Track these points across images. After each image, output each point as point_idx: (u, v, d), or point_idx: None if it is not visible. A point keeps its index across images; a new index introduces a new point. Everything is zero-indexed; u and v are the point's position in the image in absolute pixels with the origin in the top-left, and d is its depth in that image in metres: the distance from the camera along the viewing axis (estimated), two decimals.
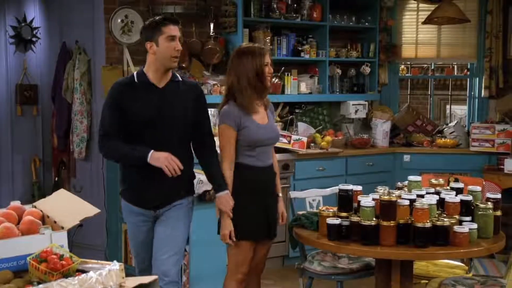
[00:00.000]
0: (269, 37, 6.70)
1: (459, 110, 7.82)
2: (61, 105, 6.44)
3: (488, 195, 4.26)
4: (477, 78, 7.65)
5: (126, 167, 3.90)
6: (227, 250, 4.10)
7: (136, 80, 3.83)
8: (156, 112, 3.77)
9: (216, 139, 4.07)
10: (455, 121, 7.75)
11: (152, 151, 3.70)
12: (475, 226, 3.90)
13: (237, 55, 4.02)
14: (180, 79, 3.93)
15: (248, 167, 4.02)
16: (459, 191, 4.29)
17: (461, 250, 3.82)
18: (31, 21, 6.71)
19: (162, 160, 3.67)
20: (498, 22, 7.33)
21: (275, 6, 6.72)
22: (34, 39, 6.73)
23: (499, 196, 4.34)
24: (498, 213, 4.15)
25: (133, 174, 3.85)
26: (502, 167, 6.78)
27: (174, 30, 3.78)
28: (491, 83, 7.45)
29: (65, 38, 6.50)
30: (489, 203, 4.08)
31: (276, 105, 6.76)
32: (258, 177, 4.06)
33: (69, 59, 6.35)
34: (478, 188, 4.30)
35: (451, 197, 4.05)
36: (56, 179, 6.66)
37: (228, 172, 3.95)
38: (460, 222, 3.91)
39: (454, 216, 3.94)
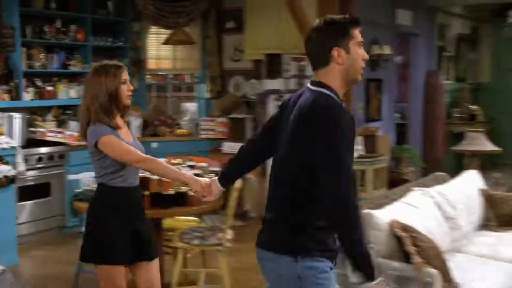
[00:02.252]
0: (43, 54, 6.84)
1: (191, 107, 8.38)
2: None
3: (212, 168, 4.97)
4: (203, 84, 8.15)
5: None
6: (99, 277, 3.28)
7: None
8: None
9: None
10: (188, 116, 8.11)
11: None
12: None
13: (92, 74, 3.16)
14: None
15: (114, 189, 3.19)
16: (192, 167, 4.75)
17: (195, 208, 4.26)
18: None
19: None
20: (215, 44, 7.91)
21: (47, 29, 6.87)
22: None
23: (219, 169, 5.19)
24: None
25: None
26: (221, 148, 7.32)
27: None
28: (212, 88, 7.98)
29: None
30: (212, 174, 4.67)
31: (49, 108, 7.09)
32: (125, 199, 3.24)
33: None
34: (206, 164, 4.88)
35: (187, 171, 4.32)
36: None
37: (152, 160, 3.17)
38: None
39: None
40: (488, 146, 6.12)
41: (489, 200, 4.83)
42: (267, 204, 2.57)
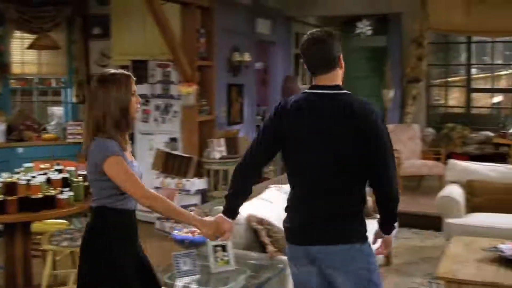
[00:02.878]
0: None
1: (58, 111, 8.26)
2: None
3: (79, 172, 5.00)
4: (69, 89, 8.10)
5: None
6: None
7: None
8: None
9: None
10: (55, 120, 8.01)
11: None
12: (71, 193, 4.45)
13: (100, 83, 2.70)
14: None
15: (119, 212, 2.75)
16: (60, 171, 4.77)
17: (63, 210, 4.31)
18: None
19: None
20: (81, 49, 7.90)
21: None
22: None
23: (85, 172, 5.23)
24: (86, 183, 4.61)
25: None
26: None
27: None
28: (79, 93, 7.96)
29: None
30: (80, 177, 4.69)
31: None
32: (131, 223, 2.86)
33: None
34: (73, 168, 4.85)
35: (55, 176, 4.57)
36: None
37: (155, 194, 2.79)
38: (62, 192, 4.39)
39: (58, 188, 4.44)
40: None
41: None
42: (311, 201, 2.67)
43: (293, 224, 2.74)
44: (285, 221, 2.80)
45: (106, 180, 2.67)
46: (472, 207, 5.80)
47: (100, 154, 2.65)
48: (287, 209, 2.79)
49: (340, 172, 2.62)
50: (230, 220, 2.82)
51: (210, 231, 2.78)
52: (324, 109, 2.62)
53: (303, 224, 2.70)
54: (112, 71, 2.77)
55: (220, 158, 6.79)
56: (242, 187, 2.81)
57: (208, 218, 2.88)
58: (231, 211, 2.84)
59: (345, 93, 2.67)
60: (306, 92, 2.70)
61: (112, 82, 2.70)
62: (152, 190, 2.82)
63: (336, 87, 2.66)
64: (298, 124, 2.64)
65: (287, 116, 2.66)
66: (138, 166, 2.88)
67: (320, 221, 2.65)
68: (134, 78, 2.81)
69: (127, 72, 2.80)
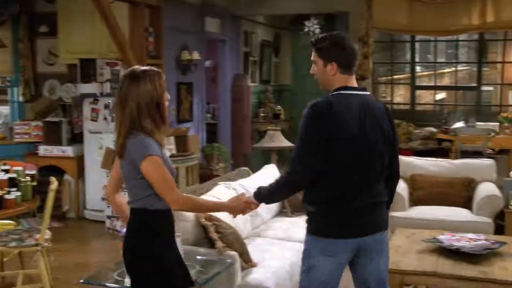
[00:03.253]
0: None
1: (4, 110, 8.12)
2: None
3: (27, 172, 5.07)
4: (16, 88, 7.93)
5: None
6: None
7: None
8: None
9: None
10: (2, 120, 7.92)
11: None
12: (19, 193, 4.51)
13: (132, 79, 2.65)
14: None
15: (159, 213, 2.68)
16: (7, 171, 4.77)
17: (11, 211, 4.38)
18: None
19: None
20: (28, 47, 7.76)
21: None
22: None
23: (35, 172, 5.23)
24: (34, 183, 4.87)
25: None
26: (37, 151, 7.26)
27: None
28: (26, 91, 7.79)
29: None
30: (28, 177, 4.77)
31: None
32: (170, 221, 2.80)
33: None
34: (21, 168, 4.91)
35: (1, 176, 4.57)
36: None
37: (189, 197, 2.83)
38: (9, 192, 4.45)
39: (5, 189, 4.48)
40: (284, 142, 6.77)
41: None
42: (361, 192, 2.84)
43: (345, 218, 2.84)
44: (327, 217, 2.85)
45: (143, 179, 2.62)
46: (415, 200, 6.02)
47: (139, 153, 2.59)
48: (327, 206, 2.84)
49: (382, 165, 2.89)
50: (256, 202, 3.01)
51: (243, 208, 2.99)
52: (369, 109, 2.84)
53: (359, 216, 2.85)
54: (143, 68, 2.73)
55: (170, 157, 6.81)
56: (287, 197, 3.10)
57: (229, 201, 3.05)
58: (263, 200, 3.02)
59: (369, 93, 3.00)
60: (345, 92, 2.84)
61: (144, 78, 2.66)
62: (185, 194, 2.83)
63: (364, 88, 2.99)
64: (347, 124, 2.75)
65: (335, 117, 2.75)
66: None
67: (374, 212, 2.90)
68: (165, 76, 2.78)
69: (157, 69, 2.78)
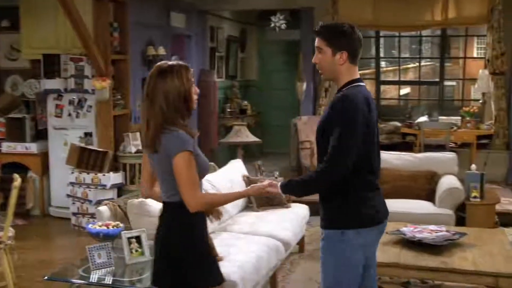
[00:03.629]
0: None
1: None
2: None
3: None
4: None
5: None
6: None
7: None
8: None
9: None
10: None
11: None
12: None
13: (160, 74, 2.70)
14: None
15: None
16: None
17: None
18: None
19: None
20: None
21: None
22: None
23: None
24: None
25: None
26: (0, 148, 7.13)
27: None
28: None
29: None
30: None
31: None
32: (204, 216, 2.83)
33: None
34: None
35: None
36: None
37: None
38: None
39: None
40: (250, 137, 6.81)
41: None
42: (376, 180, 2.90)
43: (378, 207, 2.89)
44: (366, 210, 2.82)
45: None
46: None
47: (175, 147, 2.61)
48: (363, 199, 2.82)
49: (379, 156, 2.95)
50: (280, 192, 2.87)
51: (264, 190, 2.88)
52: (373, 102, 2.87)
53: (383, 204, 2.94)
54: (170, 62, 2.76)
55: (136, 152, 6.80)
56: (319, 191, 2.86)
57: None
58: (287, 191, 2.90)
59: None
60: (361, 85, 2.85)
61: (171, 73, 2.68)
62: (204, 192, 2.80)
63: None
64: (372, 117, 2.80)
65: (368, 111, 2.77)
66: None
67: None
68: (192, 69, 2.79)
69: (184, 63, 2.80)
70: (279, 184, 2.83)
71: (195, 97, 2.75)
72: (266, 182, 2.88)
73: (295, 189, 2.87)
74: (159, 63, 2.78)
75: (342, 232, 2.79)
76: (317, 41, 2.87)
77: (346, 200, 2.80)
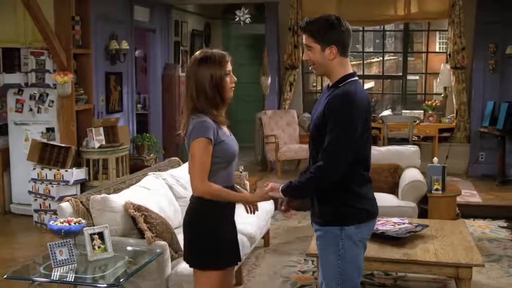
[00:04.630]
0: None
1: None
2: None
3: None
4: None
5: None
6: (197, 281, 2.96)
7: None
8: None
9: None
10: None
11: None
12: None
13: (195, 62, 2.82)
14: None
15: (225, 188, 2.85)
16: None
17: None
18: None
19: None
20: None
21: None
22: None
23: None
24: None
25: None
26: None
27: None
28: None
29: None
30: None
31: None
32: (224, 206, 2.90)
33: None
34: None
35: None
36: None
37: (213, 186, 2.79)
38: None
39: None
40: None
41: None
42: (369, 175, 2.88)
43: (373, 201, 2.90)
44: (364, 205, 2.83)
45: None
46: None
47: (194, 133, 2.74)
48: (360, 194, 2.82)
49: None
50: (283, 196, 2.87)
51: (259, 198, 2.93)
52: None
53: (374, 197, 2.93)
54: (206, 50, 2.86)
55: (100, 147, 6.72)
56: (319, 192, 2.82)
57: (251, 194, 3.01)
58: (288, 194, 2.86)
59: None
60: (358, 80, 2.83)
61: (205, 62, 2.79)
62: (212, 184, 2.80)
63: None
64: (368, 113, 2.79)
65: (363, 107, 2.74)
66: (234, 138, 2.95)
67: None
68: (230, 57, 2.87)
69: (221, 52, 2.87)
70: (280, 188, 2.83)
71: (231, 85, 2.86)
72: (268, 186, 2.89)
73: (296, 191, 2.83)
74: (198, 52, 2.89)
75: (342, 228, 2.79)
76: (304, 38, 2.82)
77: (344, 197, 2.79)
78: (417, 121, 8.73)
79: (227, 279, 3.03)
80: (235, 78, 2.88)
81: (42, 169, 6.50)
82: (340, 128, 2.67)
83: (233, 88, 2.89)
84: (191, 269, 3.37)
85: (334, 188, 2.76)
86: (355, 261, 2.84)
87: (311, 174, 2.74)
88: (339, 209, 2.81)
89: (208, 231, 2.84)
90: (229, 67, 2.85)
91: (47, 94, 6.78)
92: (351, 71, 2.83)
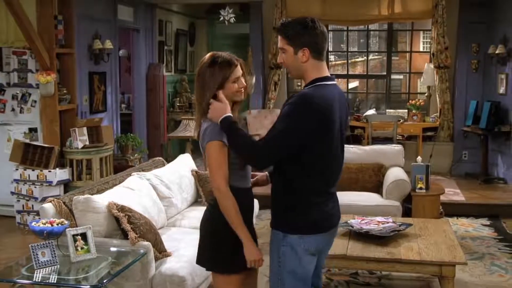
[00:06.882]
0: None
1: None
2: None
3: None
4: None
5: None
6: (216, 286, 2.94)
7: None
8: None
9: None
10: None
11: None
12: None
13: (203, 65, 2.80)
14: None
15: (240, 190, 2.80)
16: None
17: None
18: None
19: None
20: None
21: None
22: None
23: None
24: None
25: None
26: None
27: None
28: None
29: None
30: None
31: None
32: (248, 202, 2.90)
33: None
34: None
35: None
36: None
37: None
38: None
39: None
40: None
41: (199, 180, 5.43)
42: (334, 183, 2.80)
43: (329, 214, 2.78)
44: (314, 217, 2.72)
45: None
46: None
47: (205, 137, 2.73)
48: (312, 204, 2.72)
49: (343, 156, 2.87)
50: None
51: (256, 257, 2.79)
52: (341, 101, 2.78)
53: (337, 209, 2.86)
54: (215, 53, 2.83)
55: (83, 147, 6.68)
56: (238, 152, 2.77)
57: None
58: (224, 126, 2.76)
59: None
60: (327, 84, 2.71)
61: (210, 67, 2.77)
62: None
63: (334, 77, 2.83)
64: (332, 117, 2.67)
65: (322, 111, 2.63)
66: None
67: (337, 202, 2.90)
68: (240, 60, 2.85)
69: (229, 56, 2.83)
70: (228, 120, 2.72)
71: (236, 89, 2.81)
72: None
73: (231, 133, 2.70)
74: (208, 55, 2.85)
75: (284, 235, 2.72)
76: (279, 41, 2.77)
77: (293, 204, 2.71)
78: (401, 120, 8.78)
79: (249, 282, 2.97)
80: (244, 83, 2.85)
81: (25, 170, 6.44)
82: (283, 126, 2.61)
83: (239, 93, 2.83)
84: (175, 269, 3.37)
85: (285, 192, 2.73)
86: (294, 272, 2.74)
87: (252, 141, 2.68)
88: (284, 215, 2.74)
89: (225, 235, 2.78)
90: (238, 71, 2.80)
91: (30, 94, 6.72)
92: (325, 74, 2.75)
